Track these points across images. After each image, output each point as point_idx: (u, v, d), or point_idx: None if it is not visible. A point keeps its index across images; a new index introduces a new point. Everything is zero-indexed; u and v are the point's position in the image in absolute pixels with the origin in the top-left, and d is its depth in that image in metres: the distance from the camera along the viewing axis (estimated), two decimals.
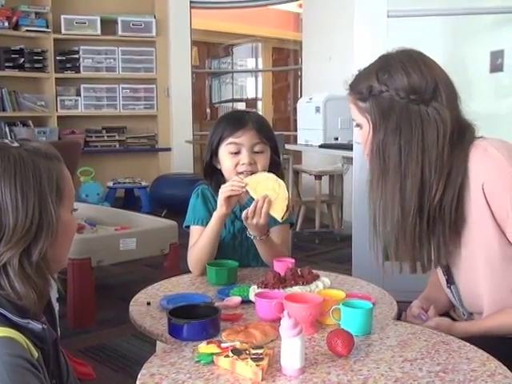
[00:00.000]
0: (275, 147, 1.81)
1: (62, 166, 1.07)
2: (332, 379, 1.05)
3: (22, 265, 0.96)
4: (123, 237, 3.06)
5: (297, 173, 5.14)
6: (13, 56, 5.60)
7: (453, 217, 1.34)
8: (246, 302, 1.44)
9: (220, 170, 1.79)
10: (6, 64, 5.58)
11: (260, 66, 9.45)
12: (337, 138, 4.41)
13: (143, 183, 5.89)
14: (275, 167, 1.79)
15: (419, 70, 1.33)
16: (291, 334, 1.06)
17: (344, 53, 4.44)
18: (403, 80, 1.32)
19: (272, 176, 1.64)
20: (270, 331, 1.21)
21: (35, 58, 5.69)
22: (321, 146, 4.39)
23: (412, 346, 1.19)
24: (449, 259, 1.44)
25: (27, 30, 5.58)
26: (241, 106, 9.48)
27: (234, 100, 9.43)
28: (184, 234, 1.95)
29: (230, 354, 1.08)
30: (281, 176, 1.73)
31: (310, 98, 4.71)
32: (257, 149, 1.73)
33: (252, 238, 1.70)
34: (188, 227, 1.82)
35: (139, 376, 1.07)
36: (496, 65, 3.38)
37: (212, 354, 1.10)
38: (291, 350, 1.06)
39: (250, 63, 9.73)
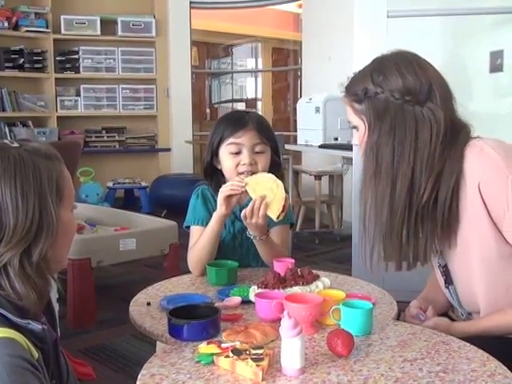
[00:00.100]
0: (276, 147, 1.81)
1: (62, 166, 1.07)
2: (332, 379, 1.05)
3: (23, 265, 0.96)
4: (123, 237, 3.06)
5: (297, 173, 5.14)
6: (13, 56, 5.60)
7: (446, 216, 1.35)
8: (246, 302, 1.44)
9: (220, 171, 1.79)
10: (6, 64, 5.58)
11: (260, 67, 9.45)
12: (336, 139, 4.41)
13: (143, 183, 5.90)
14: (275, 167, 1.79)
15: (413, 71, 1.34)
16: (291, 335, 1.06)
17: (343, 53, 4.44)
18: (398, 81, 1.33)
19: (271, 176, 1.65)
20: (270, 331, 1.21)
21: (35, 58, 5.69)
22: (320, 147, 4.39)
23: (412, 346, 1.19)
24: (446, 259, 1.45)
25: (27, 31, 5.58)
26: (240, 107, 9.47)
27: (233, 100, 9.43)
28: (184, 235, 1.95)
29: (231, 354, 1.08)
30: (281, 176, 1.74)
31: (310, 99, 4.71)
32: (257, 149, 1.73)
33: (252, 238, 1.70)
34: (188, 227, 1.82)
35: (139, 376, 1.07)
36: (495, 65, 3.38)
37: (212, 354, 1.10)
38: (291, 350, 1.06)
39: (250, 63, 9.73)
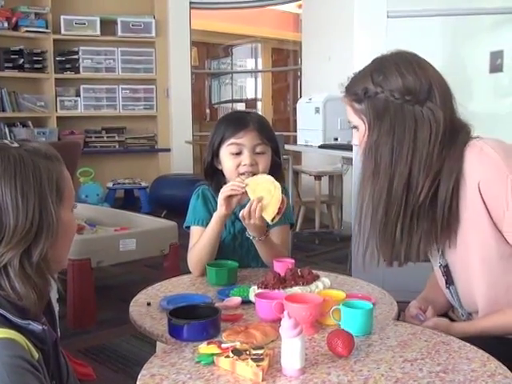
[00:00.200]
0: (276, 148, 1.81)
1: (62, 166, 1.07)
2: (332, 380, 1.05)
3: (23, 265, 0.96)
4: (123, 237, 3.06)
5: (296, 173, 5.14)
6: (12, 57, 5.60)
7: (446, 216, 1.35)
8: (246, 302, 1.44)
9: (221, 171, 1.78)
10: (6, 65, 5.58)
11: (259, 67, 9.45)
12: (336, 139, 4.41)
13: (143, 184, 5.90)
14: (276, 168, 1.79)
15: (413, 71, 1.35)
16: (291, 335, 1.06)
17: (343, 53, 4.45)
18: (398, 81, 1.34)
19: (269, 178, 1.64)
20: (270, 332, 1.21)
21: (35, 58, 5.70)
22: (320, 147, 4.39)
23: (412, 347, 1.19)
24: (447, 259, 1.45)
25: (27, 31, 5.58)
26: (240, 107, 9.48)
27: (233, 101, 9.43)
28: (184, 235, 1.95)
29: (231, 354, 1.08)
30: (281, 177, 1.73)
31: (310, 99, 4.71)
32: (258, 150, 1.73)
33: (251, 238, 1.70)
34: (188, 228, 1.82)
35: (139, 377, 1.07)
36: (495, 65, 3.38)
37: (212, 354, 1.10)
38: (291, 350, 1.06)
39: (250, 64, 9.73)
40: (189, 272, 1.75)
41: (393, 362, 1.12)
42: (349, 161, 4.03)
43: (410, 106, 1.33)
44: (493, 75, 3.47)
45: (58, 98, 5.89)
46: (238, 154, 1.73)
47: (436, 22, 3.50)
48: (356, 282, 1.68)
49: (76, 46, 5.93)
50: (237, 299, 1.44)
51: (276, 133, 1.87)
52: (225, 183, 1.72)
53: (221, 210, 1.66)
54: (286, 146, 4.75)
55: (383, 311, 1.43)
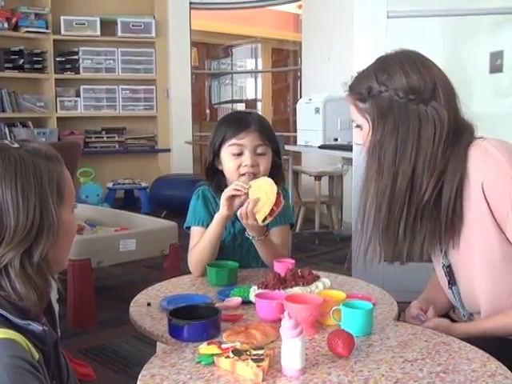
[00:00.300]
0: (277, 149, 1.80)
1: (63, 166, 1.07)
2: (332, 380, 1.05)
3: (23, 266, 0.96)
4: (123, 238, 3.06)
5: (296, 174, 5.14)
6: (12, 57, 5.60)
7: (450, 216, 1.35)
8: (246, 302, 1.44)
9: (222, 171, 1.78)
10: (6, 65, 5.58)
11: (259, 67, 9.46)
12: (336, 139, 4.41)
13: (143, 184, 5.90)
14: (276, 168, 1.79)
15: (418, 70, 1.34)
16: (292, 335, 1.06)
17: (343, 53, 4.44)
18: (402, 80, 1.33)
19: (269, 181, 1.64)
20: (270, 332, 1.21)
21: (35, 58, 5.70)
22: (320, 147, 4.39)
23: (412, 347, 1.19)
24: (450, 259, 1.45)
25: (27, 31, 5.59)
26: (240, 107, 9.48)
27: (233, 101, 9.43)
28: (184, 235, 1.95)
29: (231, 354, 1.08)
30: (281, 177, 1.73)
31: (310, 99, 4.71)
32: (259, 150, 1.73)
33: (251, 238, 1.70)
34: (188, 228, 1.82)
35: (140, 377, 1.07)
36: (495, 65, 3.38)
37: (212, 354, 1.10)
38: (292, 350, 1.06)
39: (250, 64, 9.73)
40: (189, 272, 1.75)
41: (393, 363, 1.12)
42: (349, 161, 4.03)
43: (414, 105, 1.33)
44: (493, 76, 3.47)
45: (58, 99, 5.89)
46: (239, 154, 1.72)
47: (436, 23, 3.50)
48: (356, 283, 1.68)
49: (76, 47, 5.93)
50: (237, 299, 1.44)
51: (276, 133, 1.87)
52: (225, 184, 1.72)
53: (223, 210, 1.65)
54: (286, 147, 4.75)
55: (383, 311, 1.43)
